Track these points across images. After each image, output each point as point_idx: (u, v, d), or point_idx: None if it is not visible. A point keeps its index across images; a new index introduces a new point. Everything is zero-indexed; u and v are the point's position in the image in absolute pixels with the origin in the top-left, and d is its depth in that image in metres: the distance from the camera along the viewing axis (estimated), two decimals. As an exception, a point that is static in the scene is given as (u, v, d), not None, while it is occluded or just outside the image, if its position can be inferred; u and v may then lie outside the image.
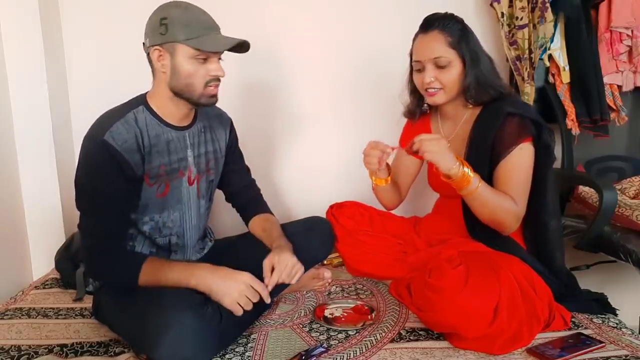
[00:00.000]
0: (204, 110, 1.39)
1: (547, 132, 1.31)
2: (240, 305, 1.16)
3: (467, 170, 1.23)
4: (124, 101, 1.29)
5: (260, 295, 1.18)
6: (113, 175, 1.19)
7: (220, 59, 1.26)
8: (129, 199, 1.25)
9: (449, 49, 1.32)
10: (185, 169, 1.33)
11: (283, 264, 1.24)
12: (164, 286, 1.17)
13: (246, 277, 1.18)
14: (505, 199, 1.27)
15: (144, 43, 1.25)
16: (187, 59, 1.20)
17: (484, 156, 1.31)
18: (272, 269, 1.24)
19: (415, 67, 1.39)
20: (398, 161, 1.57)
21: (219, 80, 1.26)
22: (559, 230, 1.37)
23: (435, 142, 1.21)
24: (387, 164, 1.41)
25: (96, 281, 1.33)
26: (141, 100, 1.28)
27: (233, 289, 1.16)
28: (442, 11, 1.39)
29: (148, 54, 1.24)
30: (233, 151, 1.49)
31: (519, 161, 1.29)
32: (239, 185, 1.51)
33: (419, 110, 1.51)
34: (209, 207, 1.46)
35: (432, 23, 1.35)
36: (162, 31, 1.18)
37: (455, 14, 1.38)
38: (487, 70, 1.35)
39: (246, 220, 1.51)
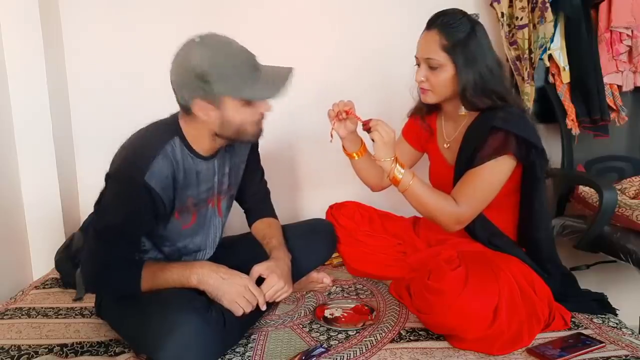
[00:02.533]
0: None
1: (536, 152, 1.25)
2: (239, 306, 1.16)
3: (398, 169, 1.23)
4: (150, 121, 1.21)
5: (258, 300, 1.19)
6: (147, 215, 1.16)
7: None
8: (151, 232, 1.23)
9: (441, 52, 1.27)
10: (212, 196, 1.30)
11: (267, 286, 1.22)
12: (165, 288, 1.17)
13: (245, 280, 1.19)
14: (444, 200, 1.26)
15: (174, 89, 1.14)
16: (238, 108, 1.13)
17: (467, 166, 1.29)
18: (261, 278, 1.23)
19: (415, 62, 1.36)
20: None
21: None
22: (550, 245, 1.37)
23: (388, 132, 1.23)
24: (362, 140, 1.41)
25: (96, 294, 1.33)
26: (175, 129, 1.19)
27: (232, 289, 1.16)
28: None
29: (182, 101, 1.14)
30: (253, 152, 1.44)
31: (489, 167, 1.25)
32: (250, 190, 1.47)
33: (429, 107, 1.44)
34: (225, 221, 1.42)
35: (435, 21, 1.30)
36: (204, 87, 1.09)
37: (469, 13, 1.32)
38: (486, 77, 1.28)
39: (249, 222, 1.50)
